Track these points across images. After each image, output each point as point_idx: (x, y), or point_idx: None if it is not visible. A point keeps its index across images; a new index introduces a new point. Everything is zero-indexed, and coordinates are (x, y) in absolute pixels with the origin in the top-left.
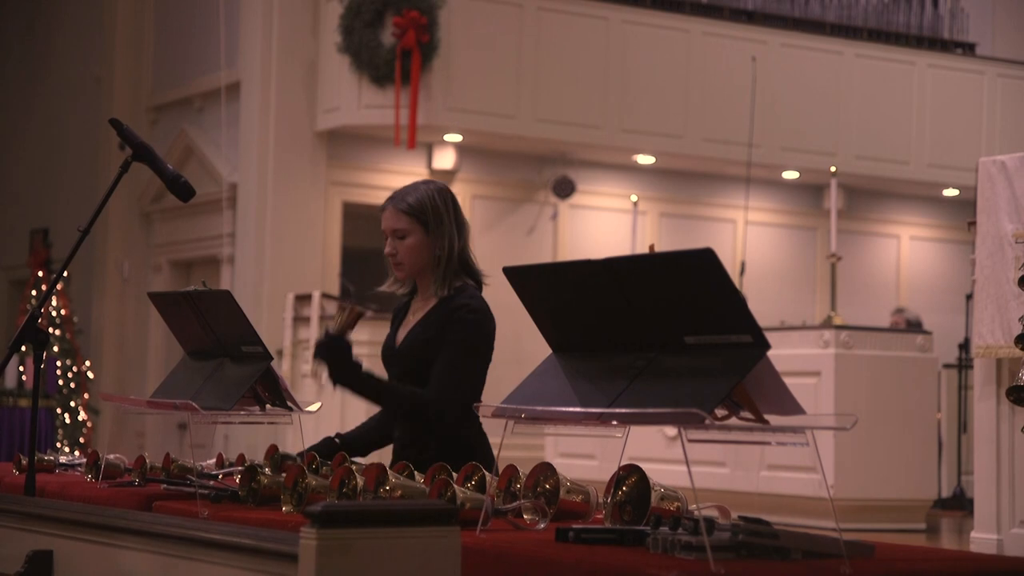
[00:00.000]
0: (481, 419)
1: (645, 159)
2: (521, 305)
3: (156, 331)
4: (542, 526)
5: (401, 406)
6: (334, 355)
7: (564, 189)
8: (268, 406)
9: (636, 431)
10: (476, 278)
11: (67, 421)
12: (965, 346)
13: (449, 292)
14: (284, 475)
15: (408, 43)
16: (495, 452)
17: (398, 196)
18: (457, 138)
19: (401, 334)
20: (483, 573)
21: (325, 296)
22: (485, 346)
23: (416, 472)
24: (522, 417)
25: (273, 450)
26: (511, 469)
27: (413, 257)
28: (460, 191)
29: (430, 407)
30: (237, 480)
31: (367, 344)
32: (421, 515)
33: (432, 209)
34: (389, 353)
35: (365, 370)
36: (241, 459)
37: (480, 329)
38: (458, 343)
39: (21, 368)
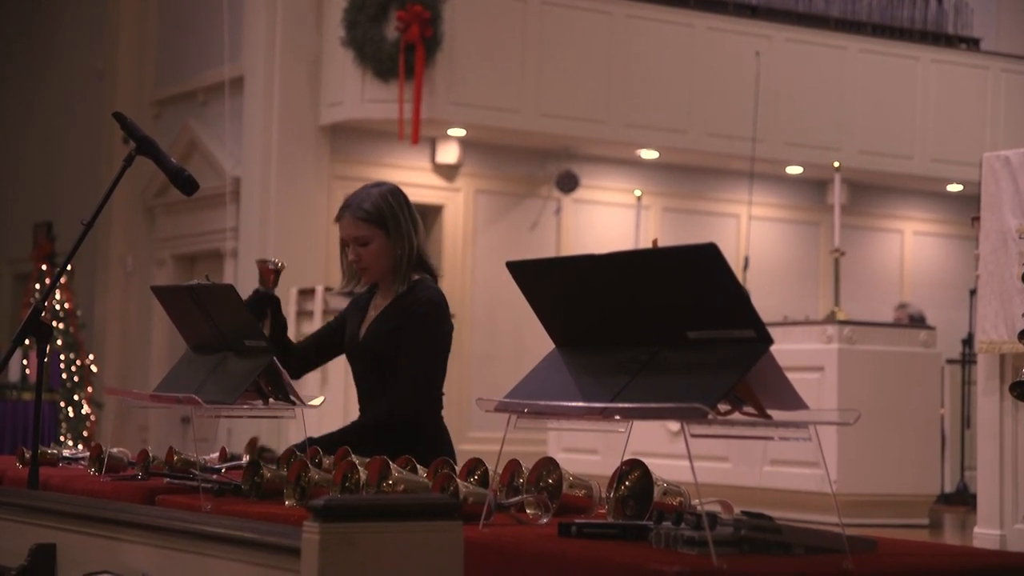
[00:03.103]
0: (485, 413)
1: (649, 154)
2: (524, 299)
3: (159, 325)
4: (545, 521)
5: (381, 429)
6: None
7: (568, 184)
8: (271, 400)
9: (639, 426)
10: (432, 271)
11: (70, 415)
12: (968, 341)
13: (407, 287)
14: (287, 469)
15: (412, 37)
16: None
17: (353, 204)
18: (461, 133)
19: (363, 328)
20: (486, 568)
21: (328, 290)
22: (446, 340)
23: (419, 466)
24: (525, 412)
25: (255, 442)
26: (514, 464)
27: (378, 261)
28: (464, 186)
29: (404, 408)
30: (240, 474)
31: None
32: (424, 509)
33: (389, 212)
34: (352, 346)
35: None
36: (252, 442)
37: (440, 325)
38: (421, 341)
39: (25, 362)
